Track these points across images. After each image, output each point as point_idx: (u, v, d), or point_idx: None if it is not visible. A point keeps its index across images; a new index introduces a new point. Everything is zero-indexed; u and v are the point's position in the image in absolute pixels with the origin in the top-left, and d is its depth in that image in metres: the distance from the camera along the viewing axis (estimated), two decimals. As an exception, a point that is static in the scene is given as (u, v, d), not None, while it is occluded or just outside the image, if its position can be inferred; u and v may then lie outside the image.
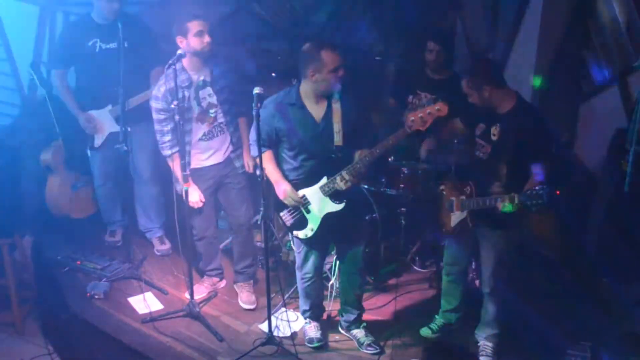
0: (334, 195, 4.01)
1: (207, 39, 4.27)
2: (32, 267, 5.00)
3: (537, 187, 3.66)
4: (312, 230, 4.11)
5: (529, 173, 3.83)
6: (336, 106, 3.95)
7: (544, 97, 5.04)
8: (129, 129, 4.77)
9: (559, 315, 4.52)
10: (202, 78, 4.38)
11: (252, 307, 4.78)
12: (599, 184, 4.64)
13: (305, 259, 4.27)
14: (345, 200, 4.03)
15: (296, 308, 4.72)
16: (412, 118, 3.74)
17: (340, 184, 3.95)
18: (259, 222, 4.32)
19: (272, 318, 4.33)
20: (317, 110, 3.98)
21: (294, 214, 4.12)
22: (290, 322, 4.46)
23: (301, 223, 4.12)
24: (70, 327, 4.66)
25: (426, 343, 4.40)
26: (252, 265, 4.89)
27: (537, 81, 4.97)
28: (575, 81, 4.88)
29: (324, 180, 4.00)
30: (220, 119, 4.47)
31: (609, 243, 4.50)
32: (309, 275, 4.31)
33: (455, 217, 4.07)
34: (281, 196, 4.05)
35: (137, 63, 4.81)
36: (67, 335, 4.67)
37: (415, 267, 5.24)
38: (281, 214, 4.16)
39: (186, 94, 4.36)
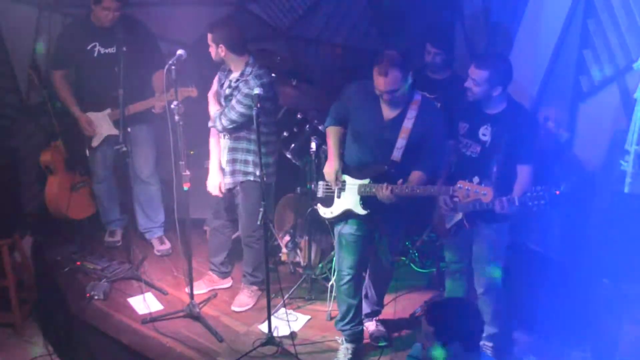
0: (366, 199, 3.97)
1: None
2: (32, 267, 5.00)
3: (537, 188, 3.64)
4: (331, 213, 4.11)
5: (517, 173, 3.84)
6: (408, 123, 3.85)
7: (544, 97, 5.04)
8: (128, 130, 4.77)
9: (560, 316, 4.52)
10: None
11: (239, 309, 4.76)
12: (599, 184, 4.64)
13: (342, 257, 4.20)
14: (369, 210, 3.98)
15: (296, 308, 4.73)
16: (460, 186, 3.65)
17: (378, 193, 3.87)
18: (258, 223, 4.30)
19: (272, 318, 4.33)
20: (388, 109, 3.89)
21: (328, 190, 4.13)
22: (290, 322, 4.46)
23: (328, 201, 4.12)
24: (70, 328, 4.66)
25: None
26: (256, 275, 4.80)
27: None
28: (575, 81, 4.87)
29: (366, 181, 3.97)
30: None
31: (609, 243, 4.49)
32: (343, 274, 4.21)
33: (450, 219, 4.04)
34: (325, 169, 4.06)
35: (137, 67, 4.80)
36: (67, 335, 4.67)
37: (415, 267, 5.24)
38: (320, 182, 4.17)
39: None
